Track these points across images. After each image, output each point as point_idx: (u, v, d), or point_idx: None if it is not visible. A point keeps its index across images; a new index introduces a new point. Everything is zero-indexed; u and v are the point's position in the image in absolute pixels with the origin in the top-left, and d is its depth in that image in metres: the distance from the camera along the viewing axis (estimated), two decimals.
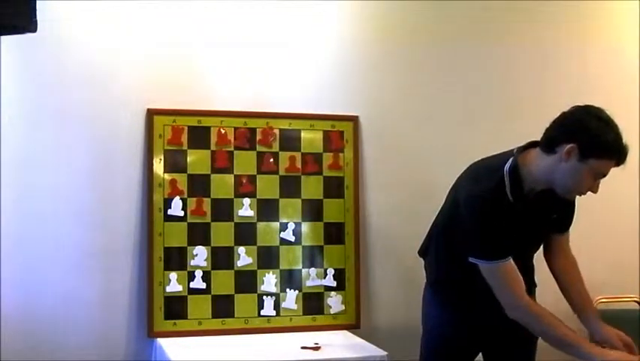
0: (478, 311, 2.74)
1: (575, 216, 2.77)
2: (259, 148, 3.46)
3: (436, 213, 2.80)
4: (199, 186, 3.37)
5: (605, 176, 2.47)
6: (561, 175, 2.46)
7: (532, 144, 2.57)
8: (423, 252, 2.91)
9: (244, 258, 3.41)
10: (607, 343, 2.59)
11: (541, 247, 2.80)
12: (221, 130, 3.41)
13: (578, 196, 2.59)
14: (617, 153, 2.41)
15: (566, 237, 2.80)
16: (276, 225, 3.46)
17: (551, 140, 2.48)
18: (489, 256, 2.50)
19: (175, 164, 3.35)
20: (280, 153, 3.48)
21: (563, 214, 2.73)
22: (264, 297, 3.43)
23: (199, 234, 3.36)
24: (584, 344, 2.49)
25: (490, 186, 2.52)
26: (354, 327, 3.50)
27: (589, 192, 2.51)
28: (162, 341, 3.21)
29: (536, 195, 2.57)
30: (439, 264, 2.82)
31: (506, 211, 2.49)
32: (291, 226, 3.48)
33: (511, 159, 2.55)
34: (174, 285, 3.31)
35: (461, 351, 2.83)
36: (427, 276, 2.90)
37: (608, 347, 2.54)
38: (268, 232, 3.45)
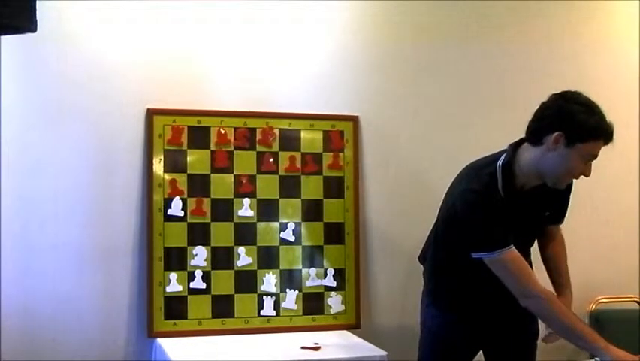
0: (477, 315, 2.74)
1: (570, 210, 2.79)
2: (259, 148, 3.46)
3: (436, 213, 2.80)
4: (199, 186, 3.37)
5: (595, 157, 2.48)
6: (550, 164, 2.49)
7: (524, 140, 2.58)
8: (422, 258, 2.92)
9: (244, 258, 3.41)
10: None
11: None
12: (221, 130, 3.41)
13: (570, 181, 2.60)
14: (602, 132, 2.44)
15: (557, 226, 2.83)
16: (276, 225, 3.46)
17: (536, 131, 2.51)
18: (490, 247, 2.50)
19: (175, 164, 3.35)
20: (280, 153, 3.48)
21: (556, 209, 2.75)
22: (264, 297, 3.43)
23: (199, 234, 3.36)
24: (591, 335, 2.49)
25: (482, 182, 2.54)
26: (354, 327, 3.50)
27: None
28: (162, 341, 3.21)
29: (529, 192, 2.57)
30: (436, 271, 2.82)
31: (499, 206, 2.50)
32: (291, 225, 3.47)
33: (504, 155, 2.58)
34: (174, 285, 3.31)
35: (460, 352, 2.82)
36: (425, 282, 2.90)
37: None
38: (268, 232, 3.45)
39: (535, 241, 2.81)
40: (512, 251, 2.50)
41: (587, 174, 2.52)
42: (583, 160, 2.47)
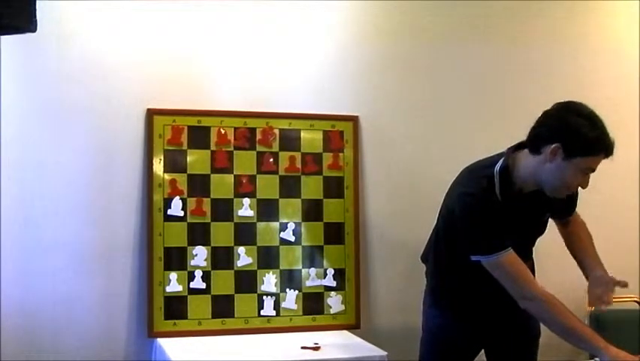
0: (479, 315, 2.74)
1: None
2: (259, 148, 3.46)
3: (436, 213, 2.80)
4: (199, 186, 3.37)
5: (593, 171, 2.47)
6: (548, 175, 2.47)
7: (523, 144, 2.57)
8: (424, 258, 2.91)
9: (244, 258, 3.41)
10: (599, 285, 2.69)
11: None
12: (221, 130, 3.41)
13: (568, 193, 2.58)
14: (601, 147, 2.41)
15: (571, 216, 2.84)
16: (276, 225, 3.46)
17: (535, 140, 2.48)
18: (488, 250, 2.50)
19: (175, 164, 3.35)
20: (280, 153, 3.48)
21: (561, 208, 2.74)
22: (264, 297, 3.43)
23: (199, 234, 3.36)
24: (592, 335, 2.48)
25: (480, 186, 2.53)
26: (354, 327, 3.50)
27: (587, 189, 2.52)
28: (162, 341, 3.21)
29: (528, 195, 2.57)
30: (438, 271, 2.82)
31: (496, 210, 2.49)
32: (291, 226, 3.47)
33: (501, 160, 2.56)
34: (174, 285, 3.31)
35: (461, 352, 2.82)
36: (428, 282, 2.90)
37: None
38: (268, 232, 3.45)
39: (536, 242, 2.81)
40: (510, 254, 2.49)
41: (584, 186, 2.50)
42: (581, 173, 2.45)
